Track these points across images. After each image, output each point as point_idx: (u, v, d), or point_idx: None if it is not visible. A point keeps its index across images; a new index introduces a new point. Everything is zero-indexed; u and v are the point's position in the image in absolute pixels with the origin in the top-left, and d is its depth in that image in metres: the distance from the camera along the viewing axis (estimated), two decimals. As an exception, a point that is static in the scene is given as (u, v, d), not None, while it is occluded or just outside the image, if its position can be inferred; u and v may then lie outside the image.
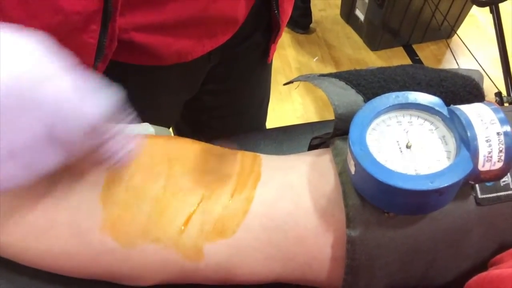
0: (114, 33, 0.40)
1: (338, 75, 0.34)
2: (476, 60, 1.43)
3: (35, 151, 0.26)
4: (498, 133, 0.26)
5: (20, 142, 0.25)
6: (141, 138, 0.32)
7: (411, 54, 1.91)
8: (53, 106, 0.25)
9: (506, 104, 1.17)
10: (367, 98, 0.31)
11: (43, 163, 0.27)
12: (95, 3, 0.36)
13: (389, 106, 0.29)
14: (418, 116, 0.29)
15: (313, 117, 1.63)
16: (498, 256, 0.29)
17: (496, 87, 1.24)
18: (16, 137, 0.25)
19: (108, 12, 0.38)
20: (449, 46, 1.86)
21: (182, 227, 0.30)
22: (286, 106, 1.66)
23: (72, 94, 0.25)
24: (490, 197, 0.29)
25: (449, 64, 1.86)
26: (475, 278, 0.26)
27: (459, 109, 0.27)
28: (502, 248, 0.30)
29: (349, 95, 0.32)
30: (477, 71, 0.36)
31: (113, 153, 0.29)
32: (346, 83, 0.33)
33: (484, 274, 0.26)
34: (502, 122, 0.26)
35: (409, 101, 0.29)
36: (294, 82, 0.37)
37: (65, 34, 0.38)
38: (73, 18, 0.36)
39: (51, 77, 0.25)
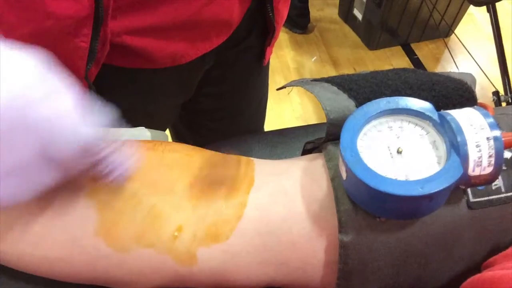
0: (106, 37, 0.41)
1: (330, 80, 0.34)
2: (474, 59, 1.43)
3: (31, 171, 0.26)
4: (487, 138, 0.26)
5: (16, 162, 0.25)
6: (138, 152, 0.32)
7: (410, 53, 1.91)
8: (47, 126, 0.25)
9: (503, 104, 1.17)
10: (359, 103, 0.31)
11: (39, 182, 0.27)
12: (86, 8, 0.37)
13: (380, 112, 0.29)
14: (409, 121, 0.29)
15: (312, 117, 1.63)
16: (491, 259, 0.29)
17: (494, 86, 1.24)
18: (12, 157, 0.25)
19: (99, 16, 0.38)
20: (447, 45, 1.86)
21: (176, 233, 0.30)
22: (285, 106, 1.66)
23: (67, 114, 0.26)
24: (481, 201, 0.30)
25: (447, 63, 1.86)
26: (468, 280, 0.26)
27: (450, 114, 0.28)
28: (494, 251, 0.30)
29: (341, 100, 0.32)
30: (470, 74, 0.36)
31: (111, 170, 0.29)
32: (338, 88, 0.33)
33: (477, 276, 0.26)
34: (492, 127, 0.26)
35: (400, 107, 0.29)
36: (288, 87, 0.37)
37: (57, 38, 0.38)
38: (64, 23, 0.37)
39: (47, 97, 0.25)
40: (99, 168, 0.29)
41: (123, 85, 0.51)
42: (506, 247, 0.30)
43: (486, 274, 0.26)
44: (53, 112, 0.25)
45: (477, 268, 0.30)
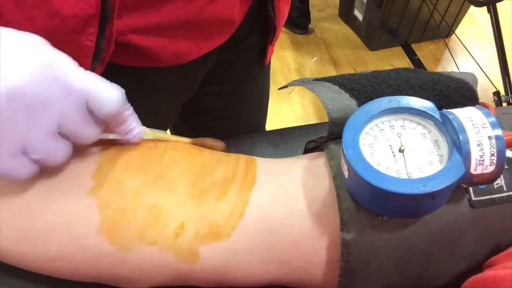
0: (111, 35, 0.41)
1: (332, 79, 0.34)
2: (474, 59, 1.44)
3: (46, 147, 0.28)
4: (489, 137, 0.26)
5: (32, 138, 0.27)
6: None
7: (410, 53, 1.91)
8: (84, 87, 0.28)
9: (504, 104, 1.18)
10: (360, 102, 0.31)
11: (52, 158, 0.29)
12: (92, 7, 0.37)
13: (382, 110, 0.29)
14: (411, 120, 0.29)
15: (312, 118, 1.63)
16: (493, 258, 0.29)
17: (495, 86, 1.24)
18: (29, 133, 0.27)
19: (105, 15, 0.38)
20: (447, 46, 1.86)
21: (178, 231, 0.30)
22: (285, 107, 1.66)
23: (97, 80, 0.28)
24: (483, 200, 0.30)
25: (448, 63, 1.87)
26: (470, 279, 0.26)
27: (452, 113, 0.28)
28: (496, 250, 0.30)
29: (343, 99, 0.32)
30: (471, 74, 0.36)
31: (132, 128, 0.32)
32: (340, 87, 0.33)
33: (478, 275, 0.26)
34: (494, 126, 0.26)
35: (402, 105, 0.29)
36: (289, 86, 0.37)
37: (63, 37, 0.38)
38: (70, 21, 0.37)
39: (75, 67, 0.28)
40: (123, 127, 0.32)
41: (126, 83, 0.51)
42: (507, 246, 0.30)
43: (488, 273, 0.26)
44: (86, 79, 0.28)
45: (478, 267, 0.30)
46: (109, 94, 0.29)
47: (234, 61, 0.61)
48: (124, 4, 0.40)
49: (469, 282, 0.26)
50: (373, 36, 1.87)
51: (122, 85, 0.51)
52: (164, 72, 0.51)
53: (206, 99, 0.67)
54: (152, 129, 0.39)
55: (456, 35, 1.77)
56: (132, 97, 0.52)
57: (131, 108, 0.32)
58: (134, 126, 0.33)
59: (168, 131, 0.77)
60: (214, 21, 0.49)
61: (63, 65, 0.27)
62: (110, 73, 0.46)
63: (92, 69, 0.42)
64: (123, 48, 0.44)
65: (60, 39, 0.38)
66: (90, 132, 0.30)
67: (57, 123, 0.28)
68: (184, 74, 0.55)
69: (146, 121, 0.40)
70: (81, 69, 0.28)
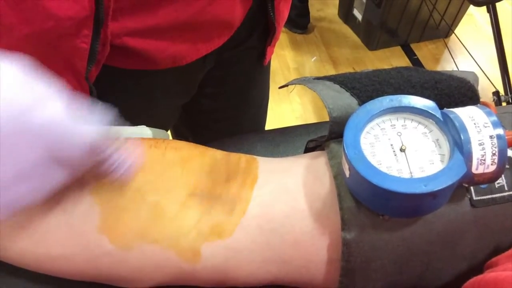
0: (106, 38, 0.40)
1: (332, 78, 0.34)
2: (474, 59, 1.44)
3: (41, 173, 0.27)
4: (491, 136, 0.26)
5: (25, 165, 0.26)
6: (141, 149, 0.33)
7: (409, 53, 1.91)
8: (46, 129, 0.26)
9: (504, 104, 1.18)
10: (361, 101, 0.31)
11: (49, 183, 0.28)
12: (86, 9, 0.36)
13: (383, 110, 0.29)
14: (412, 120, 0.29)
15: (312, 117, 1.63)
16: (494, 259, 0.29)
17: (494, 86, 1.24)
18: (20, 161, 0.26)
19: (99, 17, 0.38)
20: (447, 46, 1.86)
21: (179, 229, 0.30)
22: (285, 107, 1.66)
23: (65, 116, 0.26)
24: (484, 199, 0.30)
25: (447, 63, 1.87)
26: (471, 280, 0.26)
27: (453, 112, 0.28)
28: (497, 250, 0.30)
29: (344, 98, 0.32)
30: (472, 72, 0.36)
31: (116, 168, 0.30)
32: (341, 86, 0.33)
33: (480, 277, 0.26)
34: (495, 125, 0.26)
35: (403, 105, 0.29)
36: (290, 85, 0.37)
37: (58, 39, 0.38)
38: (65, 24, 0.37)
39: (41, 101, 0.26)
40: (105, 166, 0.29)
41: (123, 86, 0.51)
42: (508, 246, 0.30)
43: (489, 275, 0.26)
44: (50, 116, 0.26)
45: (479, 267, 0.30)
46: (71, 134, 0.26)
47: (233, 63, 0.61)
48: (119, 6, 0.40)
49: (470, 283, 0.26)
50: (373, 36, 1.87)
51: (120, 88, 0.51)
52: (162, 75, 0.51)
53: (206, 101, 0.67)
54: (152, 128, 0.39)
55: (456, 35, 1.77)
56: (130, 99, 0.53)
57: (117, 143, 0.30)
58: (119, 165, 0.30)
59: (169, 132, 0.77)
60: (212, 23, 0.49)
61: (25, 100, 0.25)
62: (108, 76, 0.46)
63: (87, 72, 0.42)
64: (119, 51, 0.44)
65: (55, 41, 0.38)
66: (53, 176, 0.28)
67: (18, 165, 0.26)
68: (181, 76, 0.55)
69: (146, 123, 0.40)
70: (53, 103, 0.26)
